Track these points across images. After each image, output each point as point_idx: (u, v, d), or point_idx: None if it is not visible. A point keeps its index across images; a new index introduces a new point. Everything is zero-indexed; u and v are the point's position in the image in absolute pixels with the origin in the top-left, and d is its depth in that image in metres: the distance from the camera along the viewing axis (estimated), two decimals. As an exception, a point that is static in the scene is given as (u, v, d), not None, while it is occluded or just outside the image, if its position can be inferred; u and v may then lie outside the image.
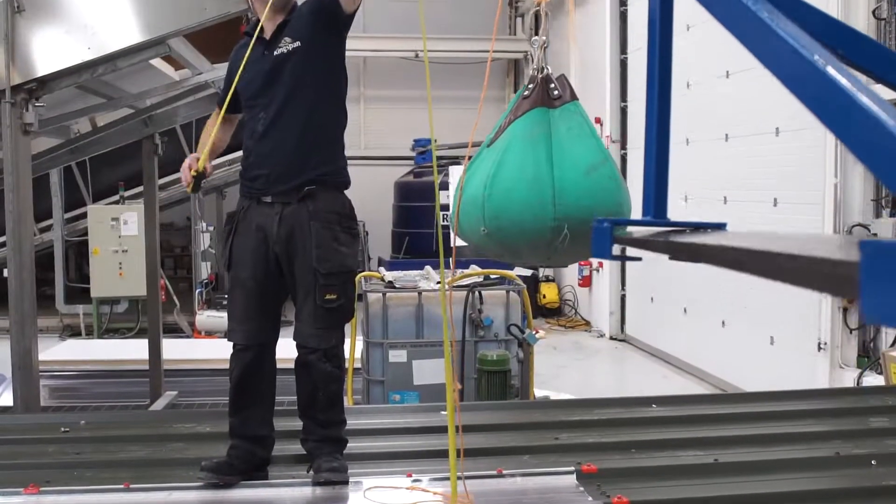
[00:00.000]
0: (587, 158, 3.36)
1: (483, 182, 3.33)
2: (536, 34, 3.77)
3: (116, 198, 11.23)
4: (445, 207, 12.45)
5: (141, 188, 7.54)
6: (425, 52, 3.27)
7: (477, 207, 3.33)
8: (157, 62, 5.79)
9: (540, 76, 3.55)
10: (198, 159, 3.61)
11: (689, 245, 1.62)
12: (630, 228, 2.20)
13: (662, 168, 2.12)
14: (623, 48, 10.87)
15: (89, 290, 10.80)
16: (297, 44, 3.61)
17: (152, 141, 6.28)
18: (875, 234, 6.09)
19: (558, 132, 3.38)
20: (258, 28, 3.69)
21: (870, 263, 0.94)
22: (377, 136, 15.66)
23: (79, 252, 12.87)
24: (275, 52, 3.63)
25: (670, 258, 1.86)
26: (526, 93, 3.55)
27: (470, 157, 3.60)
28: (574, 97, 3.55)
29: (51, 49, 4.14)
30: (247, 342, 3.66)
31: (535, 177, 3.25)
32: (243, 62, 3.61)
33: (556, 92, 3.52)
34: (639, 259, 2.34)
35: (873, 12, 6.18)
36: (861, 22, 6.19)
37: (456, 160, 12.99)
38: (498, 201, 3.26)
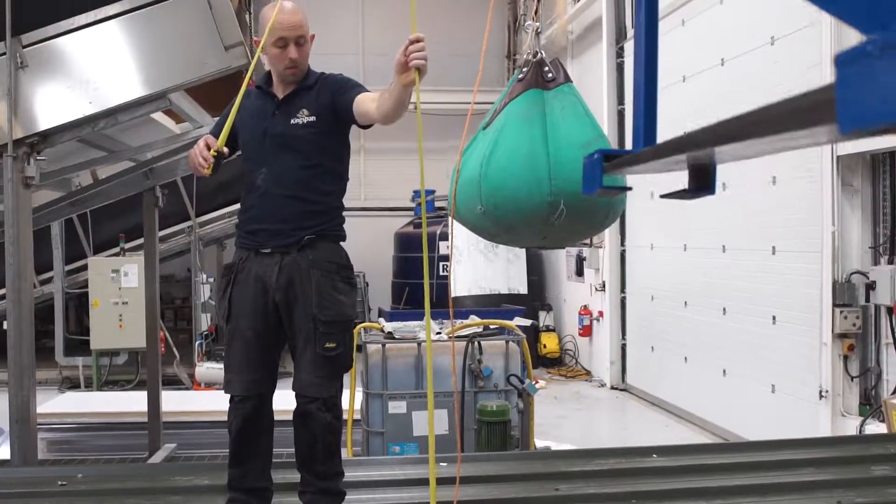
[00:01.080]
0: (582, 135, 3.39)
1: (479, 162, 3.34)
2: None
3: (117, 250, 11.26)
4: (444, 258, 12.54)
5: (142, 240, 7.56)
6: (418, 104, 3.30)
7: (473, 187, 3.33)
8: (158, 116, 5.85)
9: (534, 60, 3.58)
10: (214, 140, 3.60)
11: (673, 141, 1.59)
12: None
13: (651, 102, 2.10)
14: (620, 99, 10.97)
15: (89, 342, 10.78)
16: (313, 118, 3.67)
17: (153, 193, 6.32)
18: (874, 282, 6.10)
19: (553, 111, 3.41)
20: (262, 75, 3.76)
21: (844, 63, 0.93)
22: (377, 187, 15.75)
23: (79, 304, 12.86)
24: (291, 121, 3.67)
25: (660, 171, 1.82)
26: (520, 76, 3.58)
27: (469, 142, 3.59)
28: (568, 80, 3.57)
29: (53, 103, 4.19)
30: (245, 393, 3.66)
31: (530, 153, 3.27)
32: (239, 100, 3.64)
33: (549, 75, 3.57)
34: (629, 189, 2.33)
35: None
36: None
37: (455, 210, 13.03)
38: (494, 179, 3.28)
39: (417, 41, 3.15)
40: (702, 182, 1.73)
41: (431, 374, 3.19)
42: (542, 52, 3.59)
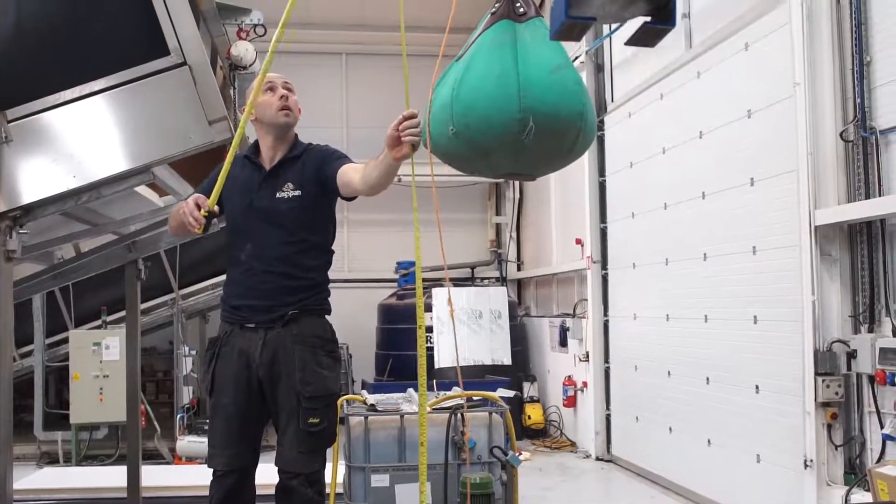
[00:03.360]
0: (552, 59, 3.42)
1: (451, 86, 3.36)
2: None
3: (99, 322, 11.19)
4: (430, 329, 12.51)
5: (124, 313, 7.53)
6: (413, 178, 3.34)
7: (446, 110, 3.35)
8: (142, 189, 5.87)
9: None
10: (205, 199, 3.59)
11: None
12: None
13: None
14: (601, 171, 11.10)
15: (68, 416, 10.65)
16: (298, 193, 3.71)
17: (136, 266, 6.31)
18: (855, 350, 6.13)
19: (524, 39, 3.45)
20: (246, 143, 3.79)
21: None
22: (361, 258, 15.79)
23: (59, 377, 12.72)
24: (276, 195, 3.71)
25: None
26: (493, 9, 3.62)
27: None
28: (539, 14, 3.62)
29: (37, 177, 4.20)
30: (227, 468, 3.63)
31: (501, 73, 3.29)
32: (226, 168, 3.66)
33: (521, 9, 3.60)
34: (593, 19, 2.33)
35: (840, 134, 6.36)
36: (828, 142, 6.37)
37: (439, 282, 13.07)
38: (466, 99, 3.30)
39: (412, 116, 3.20)
40: (662, 14, 1.73)
41: (426, 429, 3.17)
42: None
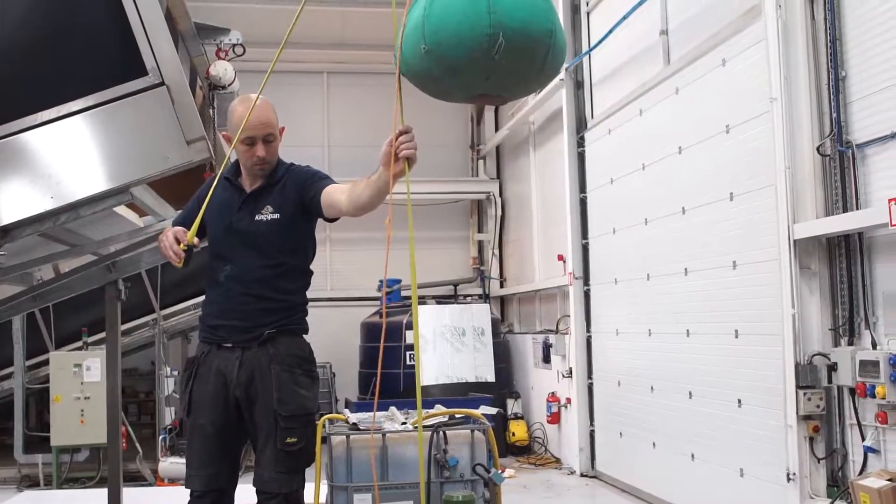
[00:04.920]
0: None
1: (423, 8, 3.39)
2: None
3: (80, 344, 11.12)
4: (410, 347, 12.50)
5: (104, 334, 7.49)
6: (408, 194, 3.33)
7: (418, 29, 3.38)
8: (121, 209, 5.85)
9: None
10: (185, 232, 3.58)
11: None
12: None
13: None
14: (582, 187, 11.14)
15: (49, 438, 10.56)
16: (277, 216, 3.70)
17: (116, 286, 6.28)
18: (835, 363, 6.17)
19: None
20: (229, 164, 3.79)
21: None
22: (343, 277, 15.77)
23: (39, 399, 12.63)
24: (255, 217, 3.70)
25: None
26: None
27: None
28: None
29: (14, 199, 4.19)
30: (205, 488, 3.61)
31: None
32: (209, 194, 3.66)
33: None
34: None
35: (817, 148, 6.42)
36: (806, 157, 6.42)
37: (422, 299, 13.07)
38: (437, 16, 3.33)
39: (406, 132, 3.19)
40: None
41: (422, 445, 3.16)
42: None
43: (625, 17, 9.41)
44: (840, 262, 6.33)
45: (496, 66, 3.30)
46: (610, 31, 9.87)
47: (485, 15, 3.26)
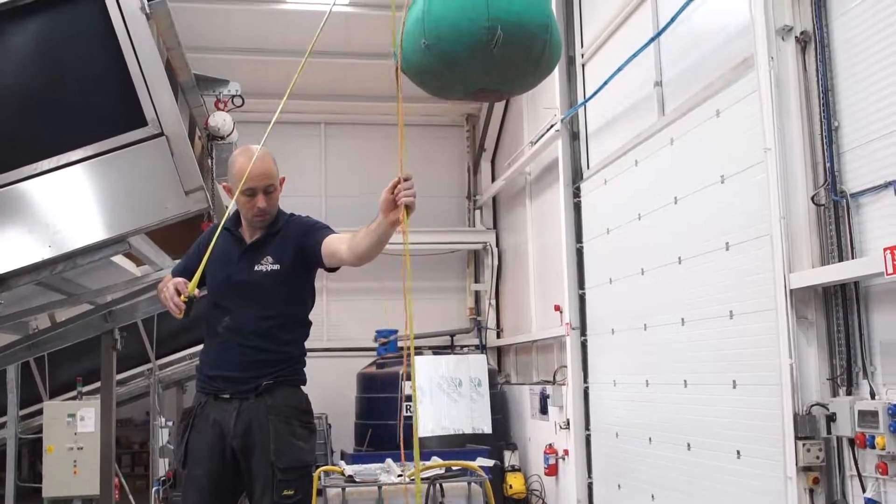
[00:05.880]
0: None
1: (422, 4, 3.51)
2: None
3: (74, 393, 11.04)
4: (407, 398, 12.42)
5: (99, 383, 7.45)
6: (406, 239, 3.34)
7: (418, 24, 3.49)
8: (118, 258, 5.86)
9: None
10: (185, 284, 3.57)
11: None
12: None
13: None
14: (579, 237, 11.17)
15: (41, 489, 10.43)
16: (277, 267, 3.70)
17: (112, 336, 6.27)
18: (834, 413, 6.14)
19: None
20: (230, 214, 3.80)
21: None
22: (340, 327, 15.73)
23: (32, 449, 12.51)
24: (255, 268, 3.70)
25: None
26: None
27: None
28: None
29: (12, 247, 4.19)
30: (200, 541, 3.57)
31: None
32: (211, 246, 3.67)
33: None
34: None
35: (812, 198, 6.45)
36: (801, 206, 6.45)
37: (419, 350, 13.02)
38: (437, 11, 3.45)
39: (407, 179, 3.21)
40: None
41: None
42: None
43: (619, 69, 9.51)
44: (837, 311, 6.33)
45: (495, 59, 3.42)
46: (605, 83, 9.97)
47: (483, 9, 3.39)
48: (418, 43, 3.47)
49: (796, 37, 6.60)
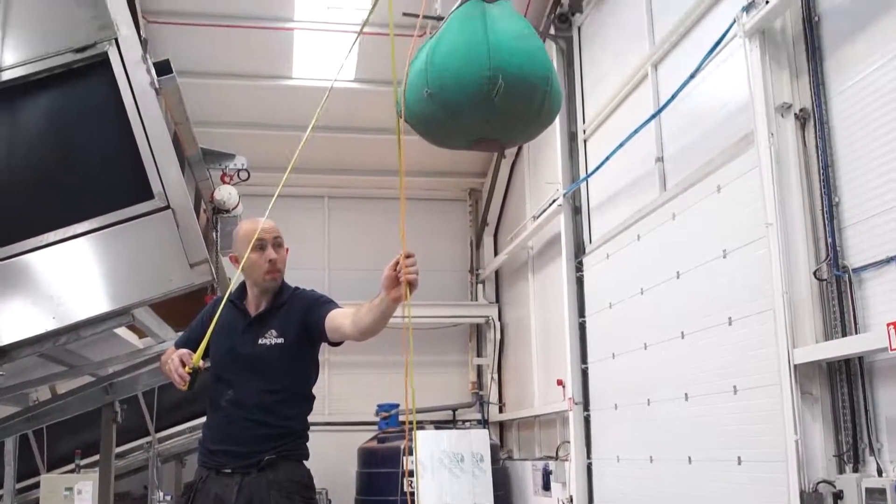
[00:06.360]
0: (519, 29, 3.69)
1: (426, 53, 3.58)
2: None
3: (72, 466, 10.92)
4: (410, 474, 12.28)
5: (98, 456, 7.38)
6: (408, 316, 3.34)
7: (421, 75, 3.55)
8: (121, 330, 5.87)
9: None
10: (190, 355, 3.55)
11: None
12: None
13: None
14: (581, 312, 11.16)
15: (34, 568, 10.26)
16: (281, 340, 3.70)
17: (112, 408, 6.23)
18: (841, 491, 6.06)
19: (492, 13, 3.71)
20: (235, 287, 3.80)
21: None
22: (341, 401, 15.61)
23: (28, 525, 12.31)
24: (259, 341, 3.69)
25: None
26: None
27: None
28: None
29: (15, 318, 4.19)
30: None
31: (471, 39, 3.55)
32: (215, 318, 3.67)
33: None
34: None
35: (814, 273, 6.46)
36: (803, 281, 6.46)
37: (420, 424, 12.91)
38: (440, 62, 3.52)
39: (409, 256, 3.22)
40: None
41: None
42: None
43: (621, 145, 9.62)
44: (842, 386, 6.29)
45: (496, 108, 3.48)
46: (607, 159, 10.07)
47: (485, 59, 3.47)
48: (421, 92, 3.55)
49: (795, 114, 6.69)
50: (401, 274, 3.16)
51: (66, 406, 6.48)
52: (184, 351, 3.60)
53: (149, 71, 4.44)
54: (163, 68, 4.66)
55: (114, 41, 4.42)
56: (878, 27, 5.96)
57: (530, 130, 3.84)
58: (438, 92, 3.51)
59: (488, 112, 3.52)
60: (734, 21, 7.07)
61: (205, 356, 3.70)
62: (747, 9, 6.87)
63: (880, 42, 5.94)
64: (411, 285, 3.18)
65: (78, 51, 4.42)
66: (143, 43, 4.66)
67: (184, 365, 3.51)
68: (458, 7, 3.84)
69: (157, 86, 4.45)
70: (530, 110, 3.61)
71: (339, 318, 3.59)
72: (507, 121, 3.64)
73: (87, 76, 4.46)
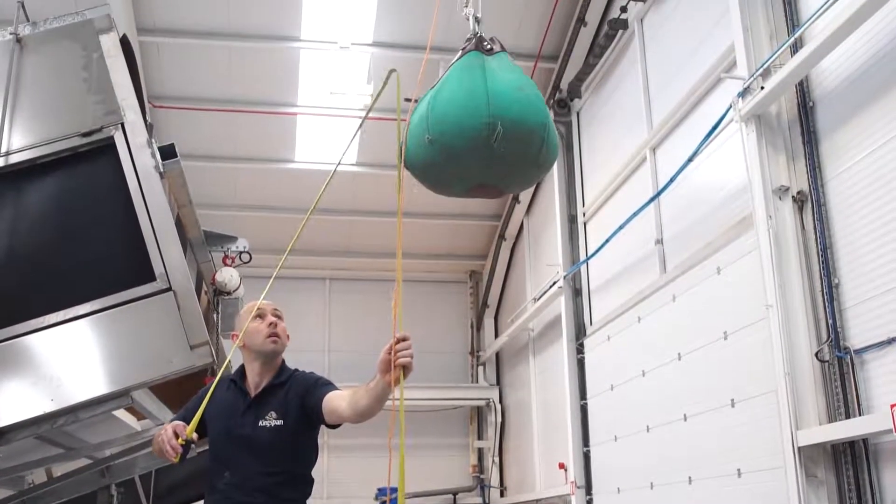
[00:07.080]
0: (517, 81, 3.81)
1: (427, 102, 3.67)
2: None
3: (65, 554, 10.72)
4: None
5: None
6: (401, 400, 3.33)
7: (422, 123, 3.63)
8: (119, 412, 5.82)
9: (475, 38, 4.01)
10: (184, 427, 3.50)
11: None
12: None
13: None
14: (583, 394, 11.09)
15: None
16: (281, 422, 3.67)
17: (108, 492, 6.15)
18: None
19: (491, 66, 3.82)
20: (229, 367, 3.79)
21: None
22: (340, 484, 15.41)
23: None
24: (259, 423, 3.67)
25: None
26: (463, 47, 3.97)
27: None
28: (504, 49, 4.01)
29: (14, 400, 4.17)
30: None
31: (471, 89, 3.66)
32: (210, 394, 3.65)
33: (488, 46, 3.98)
34: None
35: (816, 354, 6.44)
36: (805, 363, 6.43)
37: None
38: (440, 111, 3.62)
39: (404, 339, 3.21)
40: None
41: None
42: (482, 34, 4.08)
43: (621, 227, 9.68)
44: (847, 469, 6.22)
45: (495, 153, 3.58)
46: (607, 241, 10.12)
47: (484, 107, 3.58)
48: (422, 139, 3.65)
49: (793, 196, 6.75)
50: (395, 358, 3.15)
51: (61, 489, 6.39)
52: (177, 422, 3.57)
53: (153, 155, 4.49)
54: (167, 152, 4.71)
55: (120, 126, 4.49)
56: (871, 113, 6.06)
57: (528, 176, 3.94)
58: (439, 137, 3.61)
59: (487, 157, 3.63)
60: (731, 106, 7.18)
61: (200, 433, 3.68)
62: (743, 94, 6.99)
63: (873, 127, 6.03)
64: (405, 369, 3.17)
65: (85, 135, 4.49)
66: (149, 127, 4.73)
67: (177, 436, 3.48)
68: (458, 59, 3.97)
69: (162, 169, 4.50)
70: (528, 156, 3.72)
71: (337, 401, 3.57)
72: (505, 166, 3.75)
73: (93, 160, 4.51)
